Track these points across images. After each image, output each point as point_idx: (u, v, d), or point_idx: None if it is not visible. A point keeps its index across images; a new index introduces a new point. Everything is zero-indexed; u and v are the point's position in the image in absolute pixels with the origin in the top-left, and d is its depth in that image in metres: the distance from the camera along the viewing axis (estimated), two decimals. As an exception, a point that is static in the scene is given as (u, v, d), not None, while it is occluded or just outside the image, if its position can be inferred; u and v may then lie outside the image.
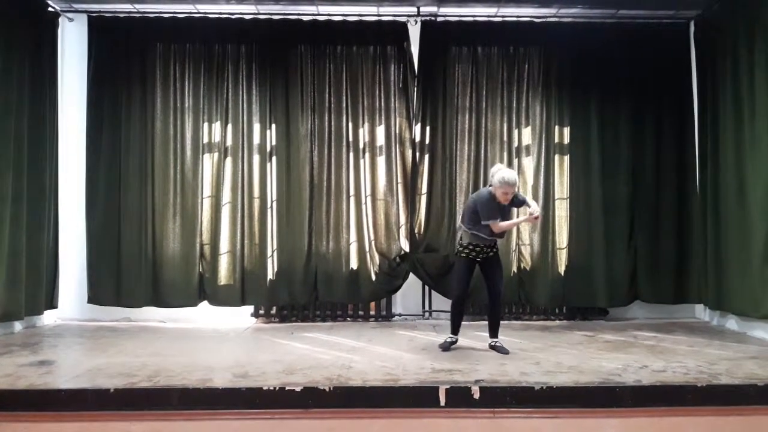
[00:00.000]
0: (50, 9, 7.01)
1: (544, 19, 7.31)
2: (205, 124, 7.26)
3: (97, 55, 7.20)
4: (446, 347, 5.42)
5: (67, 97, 7.28)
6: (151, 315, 7.13)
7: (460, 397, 4.07)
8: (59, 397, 4.06)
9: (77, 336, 6.29)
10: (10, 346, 5.57)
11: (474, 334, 6.01)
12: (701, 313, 7.28)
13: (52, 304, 6.93)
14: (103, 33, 7.22)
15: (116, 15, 7.23)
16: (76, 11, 7.21)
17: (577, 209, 7.26)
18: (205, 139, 7.26)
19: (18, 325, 6.43)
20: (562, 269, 7.22)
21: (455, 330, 5.51)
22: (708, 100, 6.97)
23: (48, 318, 6.96)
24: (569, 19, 7.30)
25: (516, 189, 5.23)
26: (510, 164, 7.25)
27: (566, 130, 7.35)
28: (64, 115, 7.26)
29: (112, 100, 7.18)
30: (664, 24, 7.35)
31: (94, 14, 7.23)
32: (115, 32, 7.22)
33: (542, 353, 5.28)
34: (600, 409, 4.08)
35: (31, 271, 6.41)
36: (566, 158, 7.35)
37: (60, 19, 7.17)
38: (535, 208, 5.32)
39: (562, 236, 7.28)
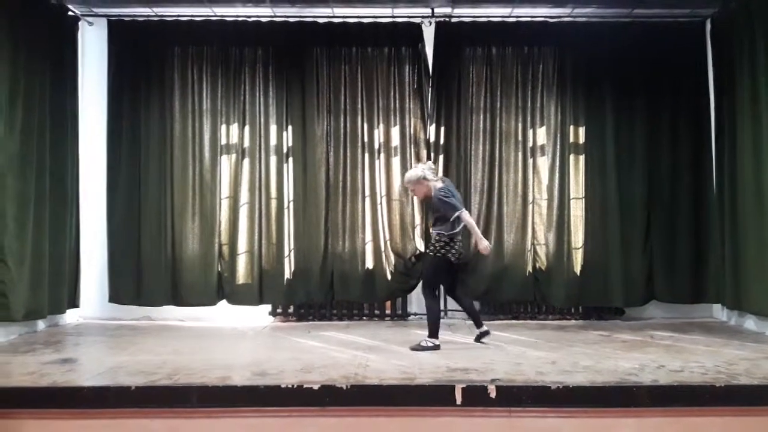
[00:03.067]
0: (70, 13, 7.10)
1: (558, 19, 7.30)
2: (223, 126, 7.34)
3: (117, 58, 7.30)
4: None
5: (88, 101, 7.38)
6: (171, 314, 7.21)
7: (476, 396, 4.07)
8: (81, 394, 4.11)
9: (99, 334, 6.39)
10: (34, 345, 5.68)
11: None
12: (719, 312, 7.22)
13: (74, 303, 7.04)
14: (123, 37, 7.32)
15: (135, 19, 7.33)
16: (96, 15, 7.31)
17: (592, 209, 7.23)
18: (223, 141, 7.34)
19: (41, 324, 6.54)
20: (578, 269, 7.20)
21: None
22: (725, 98, 6.91)
23: (70, 317, 7.07)
24: (584, 19, 7.28)
25: (412, 186, 5.63)
26: (525, 164, 7.29)
27: (581, 130, 7.33)
28: (85, 118, 7.36)
29: (132, 102, 7.28)
30: (680, 22, 7.29)
31: (113, 18, 7.33)
32: (134, 36, 7.32)
33: (558, 353, 5.28)
34: (616, 409, 4.07)
35: (53, 271, 6.51)
36: (581, 158, 7.33)
37: (80, 23, 7.28)
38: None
39: (577, 236, 7.25)
